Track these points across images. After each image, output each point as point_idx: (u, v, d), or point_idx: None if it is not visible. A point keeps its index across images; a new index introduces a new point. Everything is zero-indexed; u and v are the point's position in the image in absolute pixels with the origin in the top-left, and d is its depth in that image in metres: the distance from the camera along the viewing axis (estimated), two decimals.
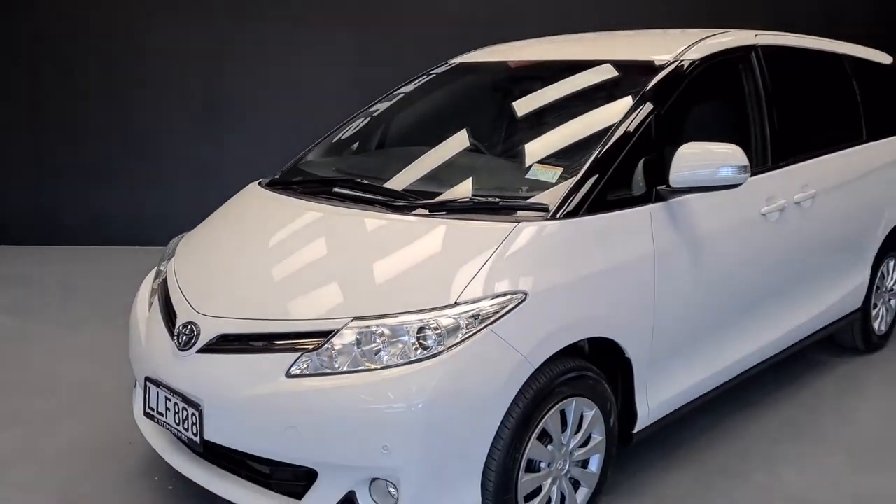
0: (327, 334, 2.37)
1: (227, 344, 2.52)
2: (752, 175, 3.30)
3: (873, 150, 4.28)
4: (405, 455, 2.28)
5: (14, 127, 6.78)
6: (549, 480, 2.63)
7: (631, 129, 2.86)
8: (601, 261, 2.65)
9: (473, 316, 2.36)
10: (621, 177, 2.80)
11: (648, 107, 2.95)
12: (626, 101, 2.99)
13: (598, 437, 2.77)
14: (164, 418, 2.67)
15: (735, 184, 2.87)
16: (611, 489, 3.02)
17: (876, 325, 4.60)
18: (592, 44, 3.81)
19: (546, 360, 2.47)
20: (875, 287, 4.47)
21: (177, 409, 2.59)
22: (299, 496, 2.43)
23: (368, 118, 3.78)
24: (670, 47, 3.29)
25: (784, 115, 3.57)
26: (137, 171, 6.87)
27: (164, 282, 3.00)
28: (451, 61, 3.98)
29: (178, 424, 2.60)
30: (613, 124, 2.88)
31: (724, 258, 3.18)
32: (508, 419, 2.42)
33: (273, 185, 3.33)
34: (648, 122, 2.91)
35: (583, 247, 2.63)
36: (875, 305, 4.54)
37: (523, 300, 2.42)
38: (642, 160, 2.87)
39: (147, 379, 2.74)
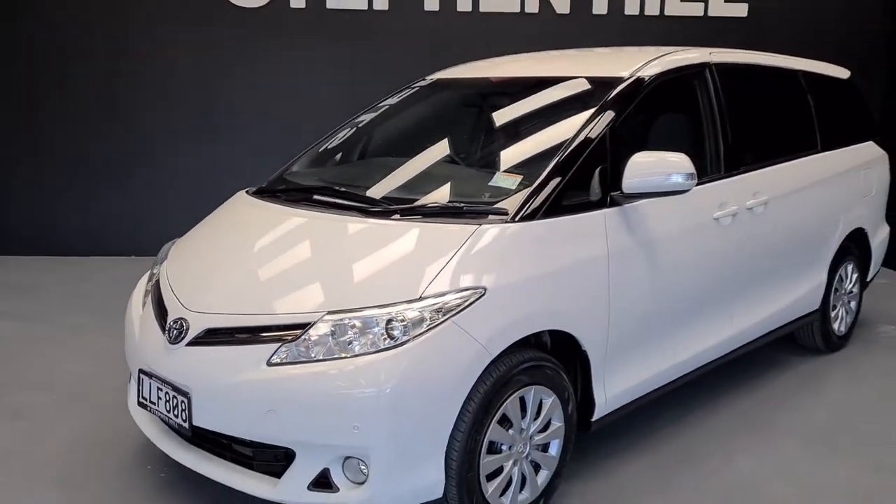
0: (304, 326, 2.61)
1: (213, 337, 2.76)
2: (706, 182, 3.61)
3: (828, 159, 4.53)
4: (374, 435, 2.51)
5: (14, 141, 7.02)
6: (510, 462, 2.86)
7: (586, 140, 3.11)
8: (556, 260, 2.90)
9: (437, 309, 2.60)
10: (577, 184, 3.05)
11: (604, 119, 3.20)
12: (584, 115, 3.24)
13: (557, 424, 3.00)
14: (155, 407, 2.90)
15: (683, 190, 3.12)
16: (572, 475, 3.25)
17: (835, 325, 4.83)
18: (558, 61, 4.07)
19: (504, 349, 2.71)
20: (833, 289, 4.71)
21: (167, 398, 2.83)
22: (279, 475, 2.66)
23: (350, 131, 4.03)
24: (628, 64, 3.55)
25: (737, 126, 3.82)
26: (134, 184, 7.11)
27: (157, 283, 3.24)
28: (428, 77, 4.23)
29: (168, 412, 2.83)
30: (571, 136, 3.13)
31: (677, 259, 3.42)
32: (470, 403, 2.65)
33: (259, 194, 3.57)
34: (604, 133, 3.16)
35: (539, 247, 2.87)
36: (834, 307, 4.78)
37: (483, 295, 2.66)
38: (598, 168, 3.12)
39: (140, 371, 2.98)
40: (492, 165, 3.38)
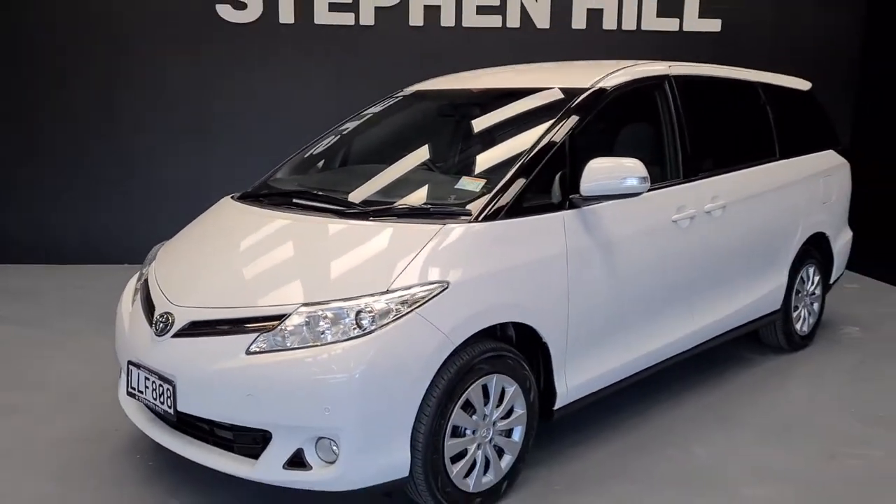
0: (281, 318, 2.82)
1: (197, 329, 2.97)
2: (665, 187, 3.84)
3: (786, 166, 4.76)
4: (344, 416, 2.72)
5: (12, 153, 7.24)
6: (474, 446, 3.06)
7: (546, 146, 3.34)
8: (516, 257, 3.12)
9: (403, 301, 2.81)
10: (538, 187, 3.27)
11: (564, 127, 3.43)
12: (546, 123, 3.47)
13: (520, 411, 3.21)
14: (143, 395, 3.11)
15: (637, 192, 3.34)
16: (537, 462, 3.46)
17: (798, 325, 5.05)
18: (527, 73, 4.31)
19: (467, 339, 2.92)
20: (795, 290, 4.94)
21: (154, 386, 3.03)
22: (257, 456, 2.86)
23: (331, 140, 4.26)
24: (590, 76, 3.78)
25: (695, 135, 4.05)
26: (129, 195, 7.32)
27: (146, 282, 3.45)
28: (406, 89, 4.47)
29: (155, 399, 3.04)
30: (532, 143, 3.36)
31: (635, 259, 3.64)
32: (434, 389, 2.86)
33: (243, 199, 3.79)
34: (563, 140, 3.39)
35: (499, 246, 3.09)
36: (796, 307, 5.00)
37: (446, 288, 2.87)
38: (558, 173, 3.34)
39: (129, 362, 3.19)
40: (462, 171, 3.62)
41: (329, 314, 2.80)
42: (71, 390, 4.37)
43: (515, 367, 3.15)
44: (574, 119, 3.49)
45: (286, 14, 7.12)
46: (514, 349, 3.17)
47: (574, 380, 3.44)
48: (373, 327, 2.76)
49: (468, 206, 3.13)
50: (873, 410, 4.19)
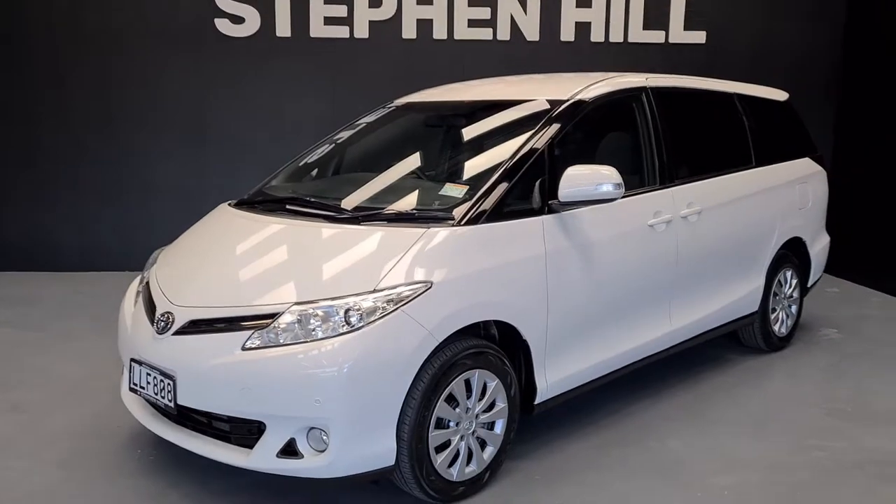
0: (274, 316, 3.01)
1: (195, 327, 3.16)
2: (642, 193, 4.03)
3: (762, 174, 4.96)
4: (333, 407, 2.90)
5: (12, 162, 7.43)
6: (457, 437, 3.24)
7: (526, 155, 3.53)
8: (496, 259, 3.30)
9: (389, 300, 3.00)
10: (518, 193, 3.47)
11: (544, 137, 3.63)
12: (526, 133, 3.66)
13: (501, 405, 3.39)
14: (145, 391, 3.29)
15: (612, 198, 3.53)
16: (519, 455, 3.64)
17: (776, 327, 5.24)
18: (510, 86, 4.51)
19: (449, 335, 3.11)
20: (773, 293, 5.12)
21: (155, 381, 3.22)
22: (252, 446, 3.04)
23: (323, 149, 4.45)
24: (570, 88, 3.98)
25: (672, 143, 4.25)
26: (126, 203, 7.52)
27: (147, 284, 3.63)
28: (396, 101, 4.67)
29: (156, 394, 3.22)
30: (513, 151, 3.56)
31: (612, 261, 3.83)
32: (419, 383, 3.04)
33: (239, 205, 3.98)
34: (543, 149, 3.58)
35: (480, 248, 3.28)
36: (774, 310, 5.19)
37: (429, 287, 3.06)
38: (538, 180, 3.54)
39: (132, 360, 3.37)
40: (447, 178, 3.81)
41: (319, 312, 2.98)
42: (73, 390, 4.54)
43: (497, 363, 3.33)
44: (553, 129, 3.68)
45: (283, 27, 7.33)
46: (495, 346, 3.35)
47: (554, 376, 3.62)
48: (361, 324, 2.94)
49: (452, 211, 3.32)
50: (843, 407, 4.37)
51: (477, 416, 3.31)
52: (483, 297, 3.26)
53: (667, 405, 4.35)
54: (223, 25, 7.31)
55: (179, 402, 3.13)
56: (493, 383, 3.34)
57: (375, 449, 2.99)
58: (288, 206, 3.71)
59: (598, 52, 7.51)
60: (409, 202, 3.56)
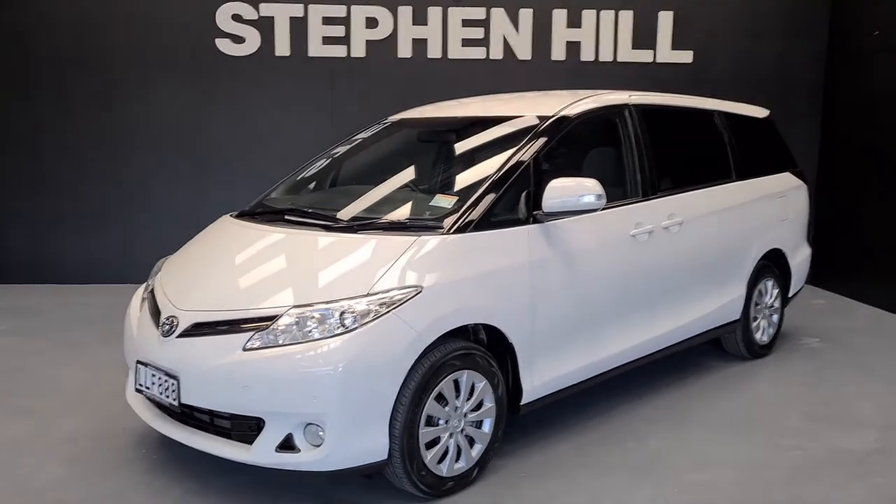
0: (273, 318, 3.20)
1: (199, 330, 3.34)
2: (624, 205, 4.22)
3: (742, 187, 5.16)
4: (329, 404, 3.08)
5: (18, 180, 7.64)
6: (447, 434, 3.42)
7: (511, 168, 3.73)
8: (483, 266, 3.50)
9: (382, 303, 3.19)
10: (504, 204, 3.66)
11: (529, 151, 3.83)
12: (513, 148, 3.86)
13: (489, 404, 3.57)
14: (150, 391, 3.47)
15: (594, 209, 3.73)
16: (506, 453, 3.82)
17: (758, 335, 5.42)
18: (499, 103, 4.72)
19: (438, 337, 3.30)
20: (754, 303, 5.31)
21: (160, 382, 3.40)
22: (252, 442, 3.22)
23: (322, 163, 4.66)
24: (555, 105, 4.19)
25: (653, 157, 4.45)
26: (128, 218, 7.72)
27: (152, 291, 3.82)
28: (391, 117, 4.88)
29: (161, 393, 3.40)
30: (499, 165, 3.76)
31: (596, 269, 4.02)
32: (410, 381, 3.23)
33: (240, 216, 4.18)
34: (528, 163, 3.78)
35: (468, 255, 3.47)
36: (755, 318, 5.38)
37: (419, 292, 3.25)
38: (524, 192, 3.74)
39: (138, 362, 3.55)
40: (438, 190, 4.00)
41: (316, 314, 3.17)
42: (79, 395, 4.71)
43: (484, 364, 3.51)
44: (539, 143, 3.89)
45: (282, 47, 7.57)
46: (483, 348, 3.54)
47: (539, 378, 3.80)
48: (355, 326, 3.13)
49: (442, 221, 3.52)
50: (820, 410, 4.55)
51: (465, 414, 3.49)
52: (470, 301, 3.45)
53: (649, 408, 4.52)
54: (224, 45, 7.54)
55: (183, 400, 3.30)
56: (481, 384, 3.52)
57: (368, 444, 3.16)
58: (287, 217, 3.90)
59: (588, 70, 7.73)
60: (401, 213, 3.75)
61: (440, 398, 3.37)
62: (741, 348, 5.34)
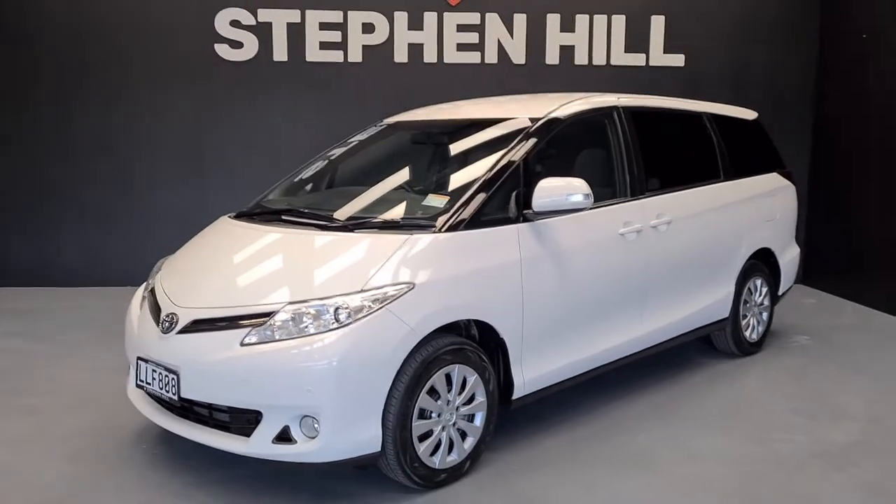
0: (270, 314, 3.29)
1: (198, 326, 3.44)
2: (613, 204, 4.32)
3: (730, 187, 5.26)
4: (324, 397, 3.17)
5: (21, 185, 7.75)
6: (439, 427, 3.51)
7: (502, 169, 3.83)
8: (474, 263, 3.59)
9: (375, 299, 3.29)
10: (495, 203, 3.76)
11: (519, 152, 3.93)
12: (503, 149, 3.96)
13: (481, 399, 3.66)
14: (150, 386, 3.57)
15: (582, 208, 3.83)
16: (498, 447, 3.91)
17: (747, 333, 5.52)
18: (491, 106, 4.82)
19: (430, 332, 3.39)
20: (743, 301, 5.41)
21: (160, 377, 3.49)
22: (250, 434, 3.31)
23: (318, 165, 4.76)
24: (545, 107, 4.29)
25: (642, 158, 4.55)
26: (129, 221, 7.83)
27: (152, 289, 3.92)
28: (386, 120, 4.98)
29: (161, 388, 3.50)
30: (490, 165, 3.86)
31: (585, 267, 4.12)
32: (402, 375, 3.32)
33: (238, 217, 4.28)
34: (518, 163, 3.88)
35: (460, 253, 3.57)
36: (745, 316, 5.47)
37: (412, 288, 3.35)
38: (514, 191, 3.84)
39: (138, 358, 3.65)
40: (431, 190, 4.10)
41: (311, 310, 3.27)
42: (81, 394, 4.80)
43: (475, 359, 3.61)
44: (529, 144, 3.99)
45: (280, 53, 7.68)
46: (474, 344, 3.64)
47: (530, 373, 3.89)
48: (349, 321, 3.23)
49: (434, 220, 3.62)
50: (807, 406, 4.65)
51: (457, 408, 3.58)
52: (462, 297, 3.55)
53: (639, 404, 4.62)
54: (223, 50, 7.65)
55: (183, 395, 3.40)
56: (473, 378, 3.61)
57: (362, 436, 3.26)
58: (284, 217, 4.00)
59: (581, 74, 7.84)
60: (395, 212, 3.85)
61: (432, 392, 3.46)
62: (731, 345, 5.44)
